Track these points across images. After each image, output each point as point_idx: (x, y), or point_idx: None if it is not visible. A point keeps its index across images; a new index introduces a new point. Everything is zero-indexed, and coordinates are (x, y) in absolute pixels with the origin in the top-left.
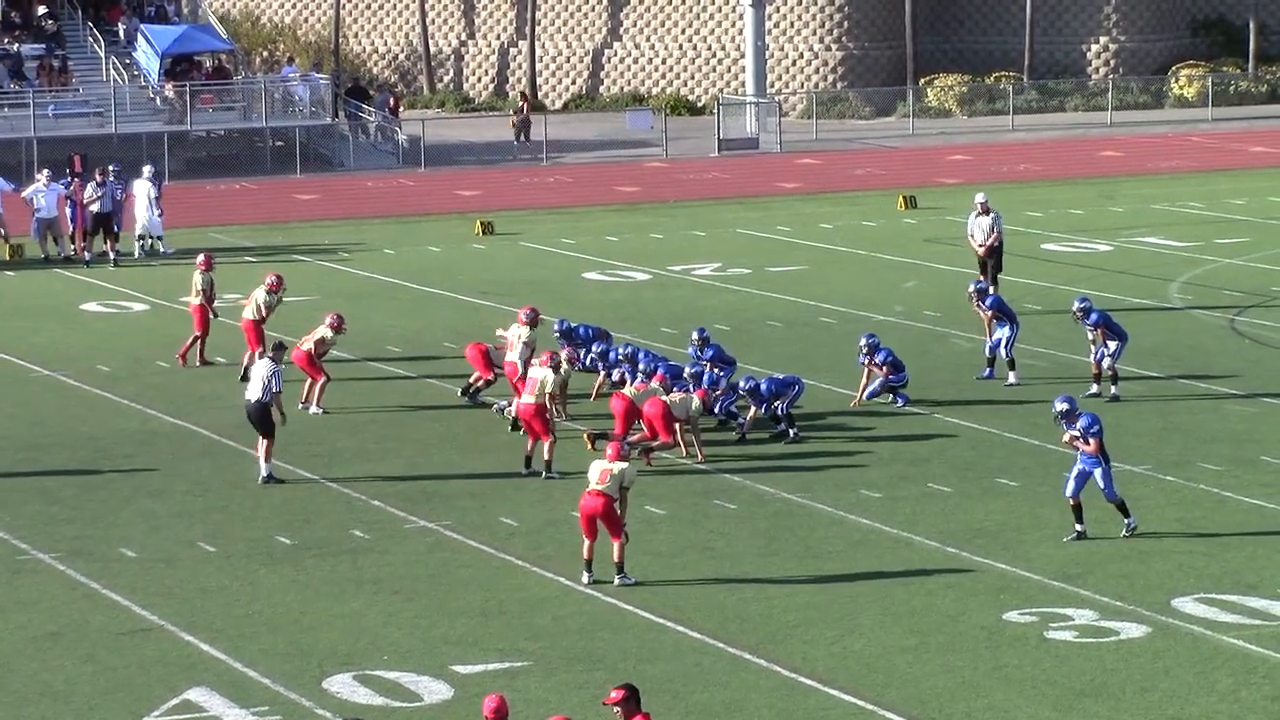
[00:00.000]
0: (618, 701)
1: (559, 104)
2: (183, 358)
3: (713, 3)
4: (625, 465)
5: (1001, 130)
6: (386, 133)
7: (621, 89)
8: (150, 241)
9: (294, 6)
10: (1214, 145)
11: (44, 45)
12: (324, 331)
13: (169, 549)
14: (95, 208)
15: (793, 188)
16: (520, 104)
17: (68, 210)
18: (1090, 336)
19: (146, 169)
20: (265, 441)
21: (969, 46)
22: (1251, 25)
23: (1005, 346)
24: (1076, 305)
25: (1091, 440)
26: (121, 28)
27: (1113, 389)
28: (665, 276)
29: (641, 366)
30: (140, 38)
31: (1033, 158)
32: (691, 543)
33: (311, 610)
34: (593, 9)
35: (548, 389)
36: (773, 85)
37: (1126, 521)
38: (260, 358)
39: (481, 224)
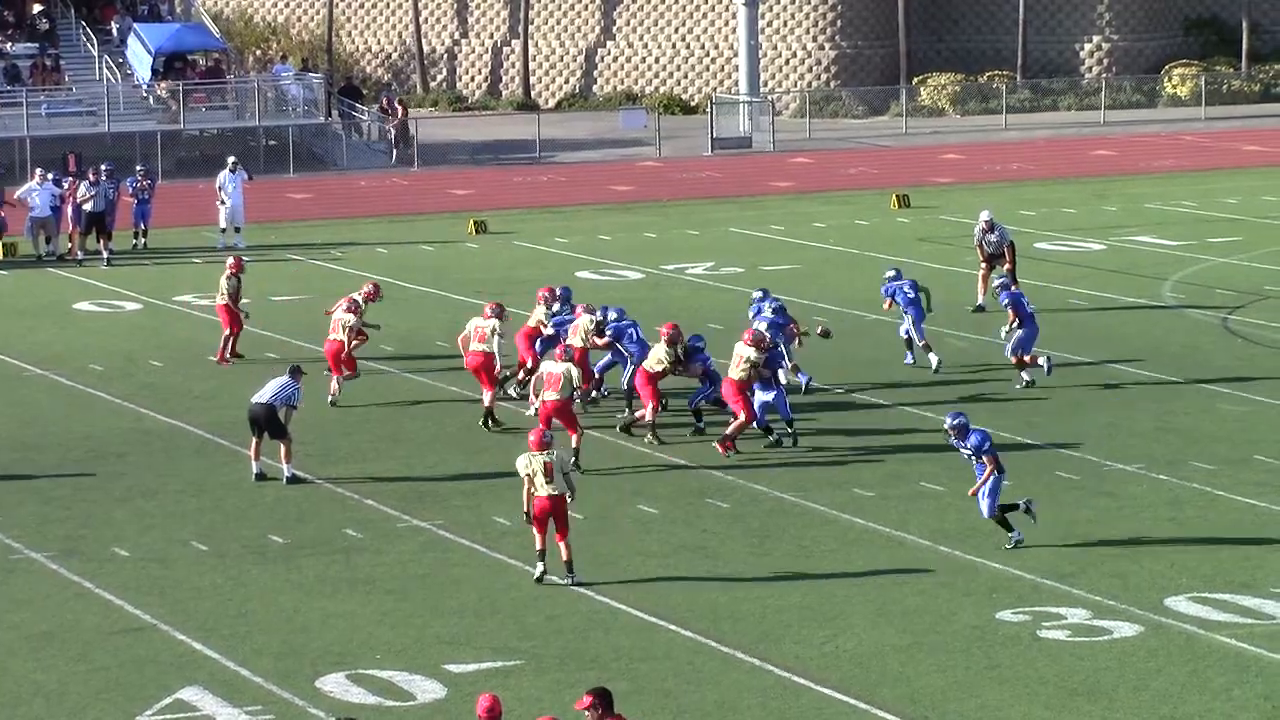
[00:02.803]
0: (587, 706)
1: (552, 103)
2: (223, 359)
3: (706, 1)
4: (558, 452)
5: (995, 129)
6: (384, 132)
7: (615, 88)
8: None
9: (287, 5)
10: (1207, 144)
11: (37, 44)
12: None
13: (162, 548)
14: (89, 206)
15: (786, 187)
16: (395, 106)
17: (69, 210)
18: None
19: (231, 159)
20: (283, 444)
21: (962, 45)
22: (1244, 24)
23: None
24: (995, 283)
25: (985, 457)
26: (115, 27)
27: (1023, 375)
28: (658, 276)
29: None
30: (133, 36)
31: (1026, 157)
32: (684, 542)
33: (305, 609)
34: (586, 8)
35: (574, 383)
36: (766, 84)
37: (1011, 535)
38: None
39: (474, 223)
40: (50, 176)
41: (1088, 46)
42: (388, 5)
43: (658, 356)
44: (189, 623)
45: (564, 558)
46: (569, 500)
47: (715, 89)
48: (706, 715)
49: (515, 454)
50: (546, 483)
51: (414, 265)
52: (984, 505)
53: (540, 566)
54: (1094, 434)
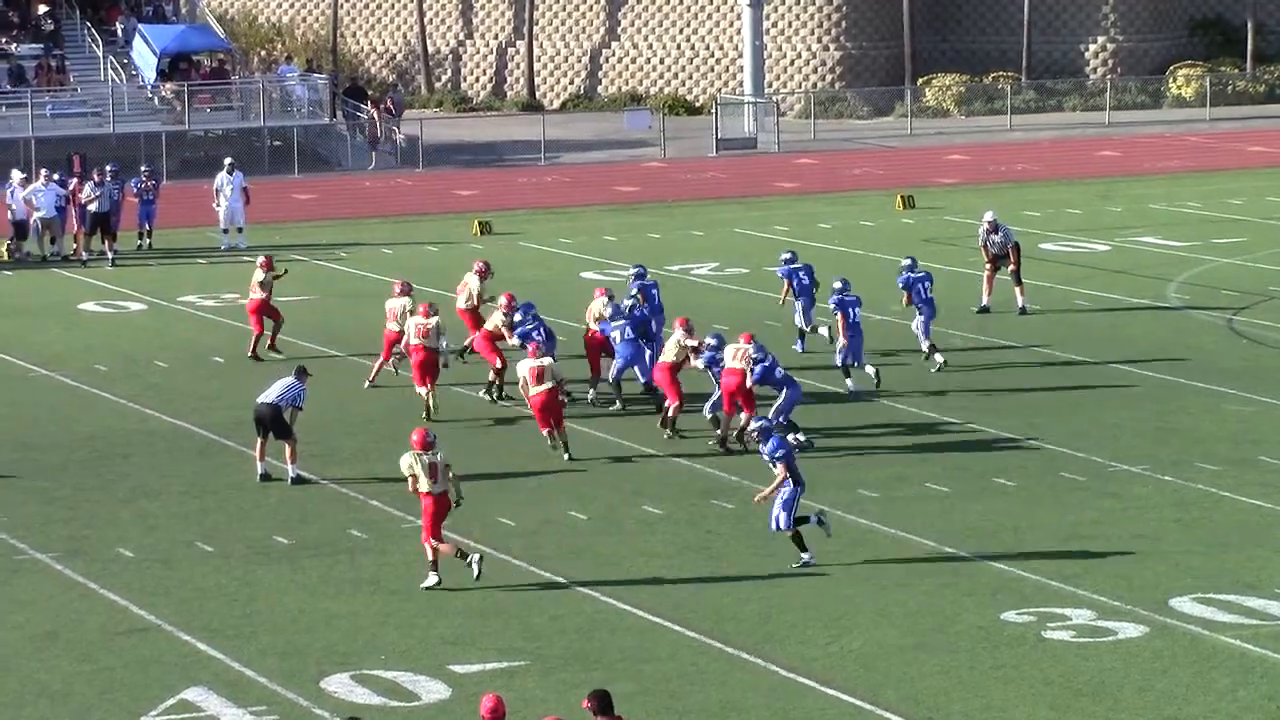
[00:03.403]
0: (587, 707)
1: (557, 104)
2: (255, 354)
3: (711, 2)
4: (442, 453)
5: (999, 130)
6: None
7: (620, 89)
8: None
9: (292, 6)
10: (1212, 145)
11: (42, 45)
12: (472, 281)
13: (166, 549)
14: (94, 207)
15: (791, 187)
16: (377, 108)
17: (72, 211)
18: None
19: (228, 161)
20: (288, 445)
21: (967, 46)
22: (1249, 25)
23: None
24: (903, 263)
25: (779, 465)
26: (120, 27)
27: (937, 358)
28: (663, 276)
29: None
30: (137, 37)
31: (1031, 157)
32: (689, 542)
33: (309, 610)
34: (590, 9)
35: (558, 376)
36: (771, 85)
37: (803, 556)
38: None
39: (479, 224)
40: (55, 177)
41: (1093, 47)
42: (392, 6)
43: (673, 346)
44: (193, 623)
45: (429, 557)
46: (454, 505)
47: (720, 90)
48: (710, 715)
49: (521, 456)
50: (431, 483)
51: (418, 266)
52: (776, 518)
53: (434, 578)
54: (1098, 435)
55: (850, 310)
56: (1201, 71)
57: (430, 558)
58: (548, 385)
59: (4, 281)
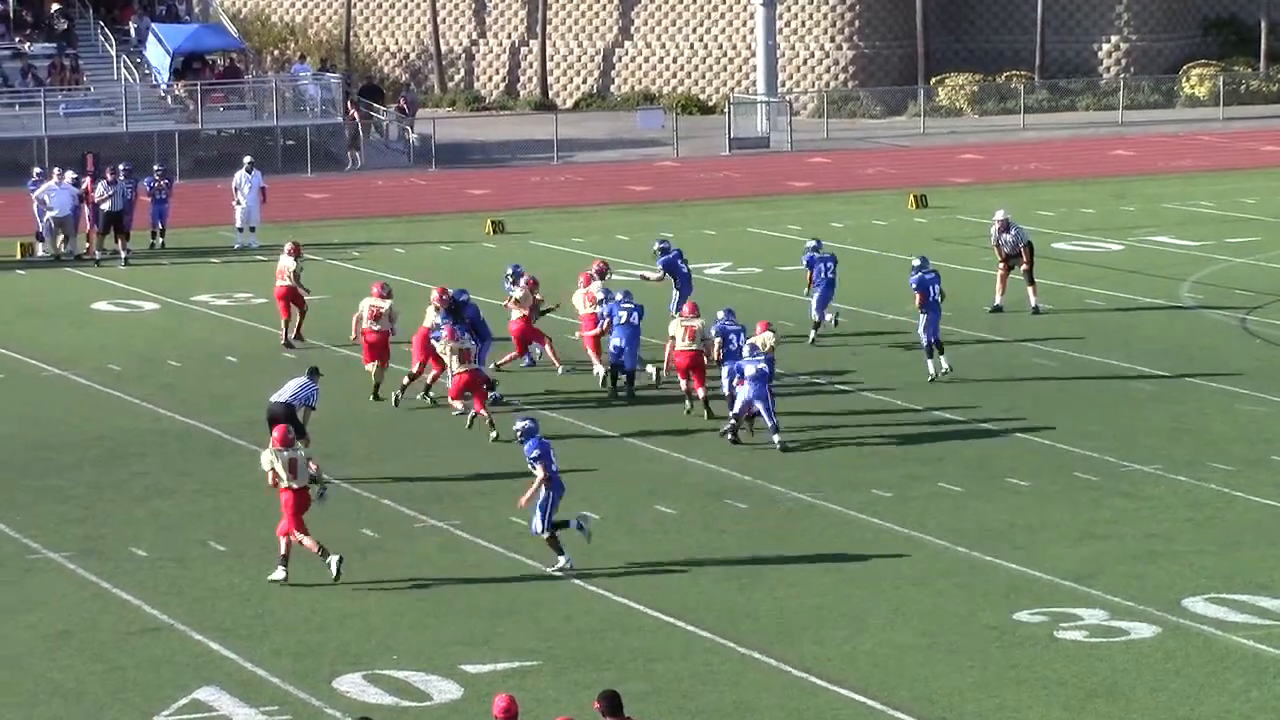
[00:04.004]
0: (597, 708)
1: (570, 103)
2: (288, 343)
3: (724, 2)
4: (301, 450)
5: (1013, 129)
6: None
7: (632, 88)
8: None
9: (305, 5)
10: (1225, 144)
11: (55, 44)
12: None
13: (179, 548)
14: (107, 206)
15: (803, 187)
16: (358, 109)
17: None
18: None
19: (247, 159)
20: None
21: (980, 46)
22: (1263, 24)
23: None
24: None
25: (538, 466)
26: (133, 27)
27: (942, 360)
28: None
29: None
30: (151, 36)
31: (1044, 157)
32: (702, 542)
33: (321, 610)
34: (604, 8)
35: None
36: (784, 84)
37: (559, 560)
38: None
39: (492, 223)
40: (70, 176)
41: (1106, 47)
42: (405, 5)
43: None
44: (206, 623)
45: (281, 550)
46: (316, 500)
47: (733, 89)
48: (724, 715)
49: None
50: (291, 478)
51: (431, 265)
52: (533, 522)
53: (282, 572)
54: (1111, 435)
55: (930, 288)
56: (1215, 71)
57: (282, 551)
58: (471, 367)
59: (18, 281)
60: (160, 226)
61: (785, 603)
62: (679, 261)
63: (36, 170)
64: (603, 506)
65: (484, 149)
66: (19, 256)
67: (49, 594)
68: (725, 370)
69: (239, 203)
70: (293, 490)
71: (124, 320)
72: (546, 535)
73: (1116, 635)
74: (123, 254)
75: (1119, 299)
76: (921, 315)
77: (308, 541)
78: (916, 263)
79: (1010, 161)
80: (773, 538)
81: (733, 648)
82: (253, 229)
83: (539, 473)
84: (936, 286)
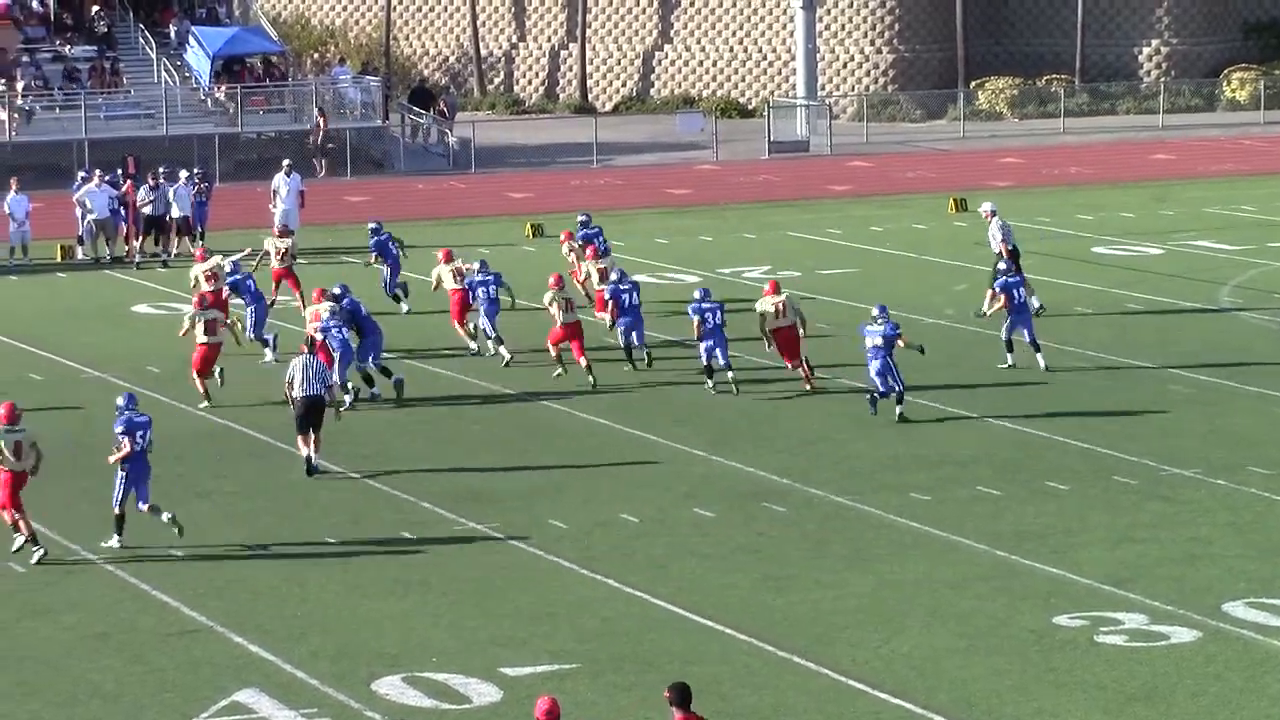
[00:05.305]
0: (667, 698)
1: (609, 106)
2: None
3: (764, 5)
4: (26, 431)
5: (1053, 133)
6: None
7: (672, 91)
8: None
9: (344, 9)
10: (1266, 148)
11: (96, 47)
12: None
13: (217, 550)
14: (148, 210)
15: (843, 190)
16: (319, 119)
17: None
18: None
19: (286, 162)
20: (315, 435)
21: (1020, 49)
22: None
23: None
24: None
25: (124, 439)
26: (173, 29)
27: (1039, 359)
28: (715, 279)
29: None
30: (191, 39)
31: (1084, 160)
32: (740, 544)
33: (360, 612)
34: (643, 11)
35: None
36: (823, 88)
37: (114, 539)
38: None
39: (532, 226)
40: (108, 179)
41: (1146, 50)
42: (445, 9)
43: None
44: (245, 624)
45: (8, 521)
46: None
47: (773, 92)
48: (761, 718)
49: (568, 457)
50: (14, 460)
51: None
52: (114, 494)
53: (20, 540)
54: (1150, 438)
55: (1015, 291)
56: (1256, 74)
57: (9, 521)
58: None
59: (57, 283)
60: (200, 229)
61: (822, 605)
62: (390, 244)
63: (81, 173)
64: (641, 509)
65: (523, 152)
66: (59, 259)
67: (87, 595)
68: (703, 347)
69: (275, 206)
70: (11, 472)
71: (163, 323)
72: (117, 511)
73: (1156, 640)
74: (163, 256)
75: (1158, 303)
76: (1009, 317)
77: (22, 524)
78: (1002, 266)
79: (1050, 165)
80: (810, 540)
81: (770, 650)
82: (291, 231)
83: (125, 446)
84: (1021, 290)
